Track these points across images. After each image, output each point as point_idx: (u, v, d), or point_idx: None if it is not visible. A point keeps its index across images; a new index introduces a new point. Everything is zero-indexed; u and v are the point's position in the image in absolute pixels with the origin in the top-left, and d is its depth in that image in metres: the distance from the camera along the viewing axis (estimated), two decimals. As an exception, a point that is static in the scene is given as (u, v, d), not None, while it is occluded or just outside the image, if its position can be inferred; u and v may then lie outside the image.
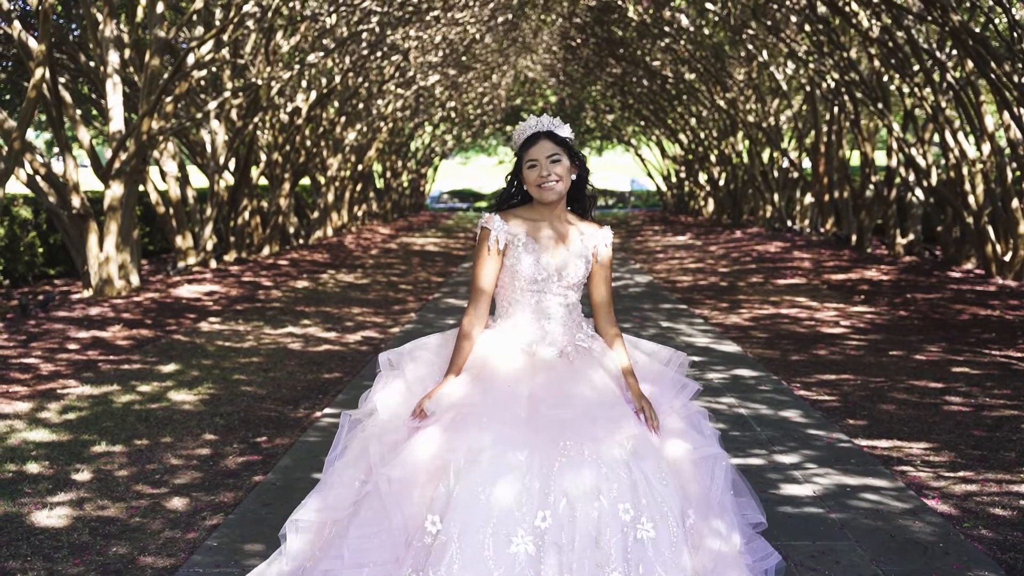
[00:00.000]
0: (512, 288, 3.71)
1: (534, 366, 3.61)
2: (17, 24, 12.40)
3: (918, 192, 18.57)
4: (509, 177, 3.89)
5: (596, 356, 3.70)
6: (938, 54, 14.82)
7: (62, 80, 15.41)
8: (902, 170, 19.44)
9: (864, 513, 4.97)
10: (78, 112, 15.22)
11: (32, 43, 12.24)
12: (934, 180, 17.09)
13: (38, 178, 13.11)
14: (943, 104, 16.04)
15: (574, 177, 3.78)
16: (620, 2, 23.22)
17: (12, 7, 13.72)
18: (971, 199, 15.51)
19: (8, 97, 21.95)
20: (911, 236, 19.57)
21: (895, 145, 18.66)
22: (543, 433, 3.36)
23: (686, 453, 3.52)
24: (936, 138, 19.22)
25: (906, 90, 17.72)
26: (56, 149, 14.51)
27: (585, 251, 3.74)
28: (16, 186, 16.49)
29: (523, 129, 3.79)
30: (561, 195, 3.71)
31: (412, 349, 3.76)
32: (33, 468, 5.76)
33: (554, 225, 3.76)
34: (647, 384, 3.72)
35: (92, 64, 15.32)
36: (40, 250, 16.78)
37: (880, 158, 25.54)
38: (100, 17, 13.93)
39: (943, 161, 17.30)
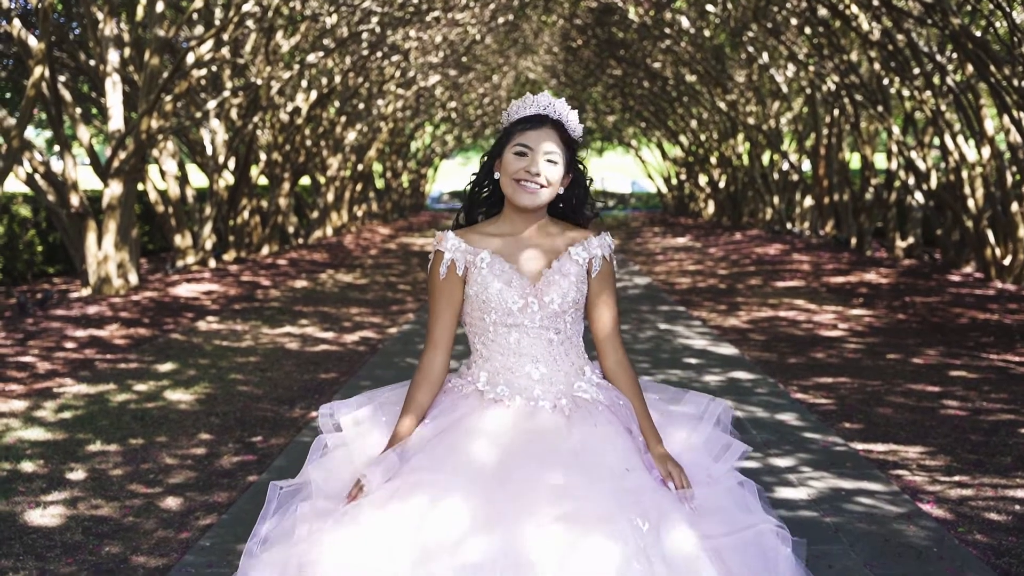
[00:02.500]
0: (482, 324, 2.97)
1: (516, 427, 2.83)
2: (17, 22, 12.39)
3: (918, 195, 18.56)
4: (478, 172, 3.13)
5: (604, 409, 2.93)
6: (938, 57, 14.81)
7: (62, 79, 15.41)
8: (902, 173, 19.43)
9: (859, 517, 4.97)
10: (78, 111, 15.22)
11: (32, 41, 12.24)
12: (934, 183, 17.09)
13: (37, 176, 13.11)
14: (943, 107, 16.03)
15: (562, 191, 3.05)
16: (621, 3, 23.21)
17: (12, 5, 13.71)
18: (971, 203, 15.50)
19: (8, 96, 21.95)
20: (911, 239, 19.56)
21: (895, 148, 18.66)
22: (523, 513, 2.57)
23: (730, 539, 2.72)
24: (936, 141, 19.21)
25: (906, 93, 17.71)
26: (56, 147, 14.49)
27: (577, 266, 3.00)
28: (15, 184, 16.48)
29: (525, 104, 3.06)
30: (540, 206, 3.00)
31: (362, 406, 3.01)
32: (27, 467, 5.75)
33: (531, 238, 3.04)
34: (675, 444, 2.95)
35: (92, 63, 15.32)
36: (39, 248, 16.77)
37: (880, 161, 25.53)
38: (100, 16, 13.93)
39: (943, 164, 17.29)
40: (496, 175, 3.06)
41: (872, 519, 4.94)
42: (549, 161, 2.99)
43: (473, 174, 3.17)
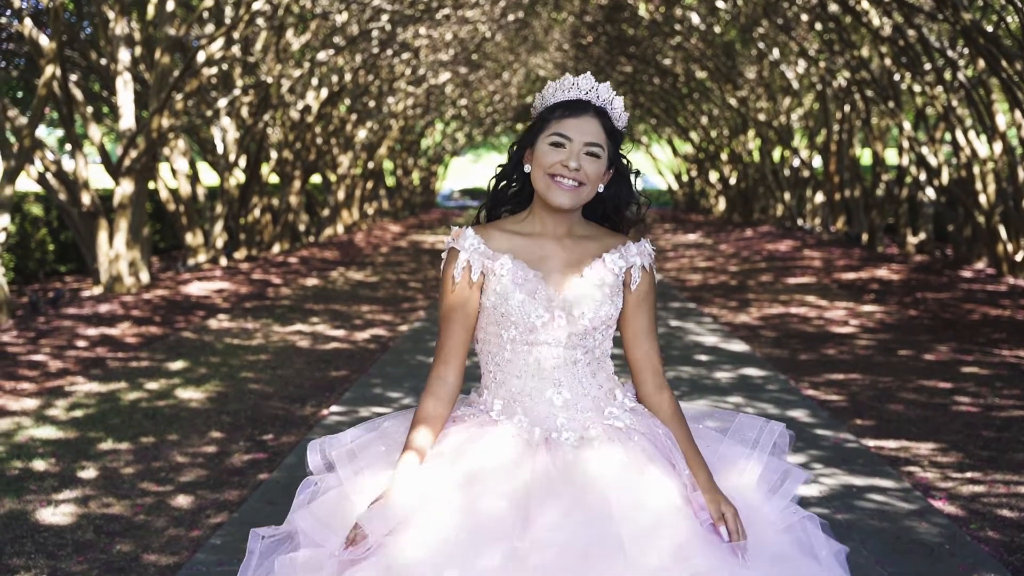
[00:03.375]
0: (499, 341, 2.59)
1: (537, 465, 2.46)
2: (28, 22, 12.43)
3: (929, 191, 18.49)
4: (505, 164, 2.76)
5: (640, 438, 2.55)
6: (950, 53, 14.75)
7: (73, 78, 15.46)
8: (913, 169, 19.36)
9: (870, 514, 4.95)
10: (89, 109, 15.27)
11: (43, 40, 12.27)
12: (945, 179, 17.02)
13: (49, 175, 13.16)
14: (955, 103, 15.96)
15: (601, 188, 2.65)
16: (631, 0, 23.17)
17: (24, 5, 13.76)
18: (982, 198, 15.43)
19: (21, 95, 22.03)
20: (922, 235, 19.48)
21: (906, 144, 18.59)
22: (550, 569, 2.26)
23: None
24: (948, 137, 19.14)
25: (917, 89, 17.64)
26: (67, 146, 14.54)
27: (612, 277, 2.62)
28: (27, 183, 16.55)
29: (564, 86, 2.67)
30: (577, 206, 2.62)
31: (357, 439, 2.60)
32: (39, 465, 5.78)
33: (562, 241, 2.65)
34: (727, 479, 2.56)
35: (103, 62, 15.37)
36: (51, 247, 16.83)
37: (891, 157, 25.46)
38: (111, 15, 13.96)
39: (954, 160, 17.22)
40: (527, 167, 2.66)
41: (884, 516, 4.92)
42: (590, 154, 2.59)
43: (499, 165, 2.76)
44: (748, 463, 2.61)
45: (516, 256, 2.60)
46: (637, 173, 2.77)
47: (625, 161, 2.74)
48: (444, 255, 2.66)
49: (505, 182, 2.76)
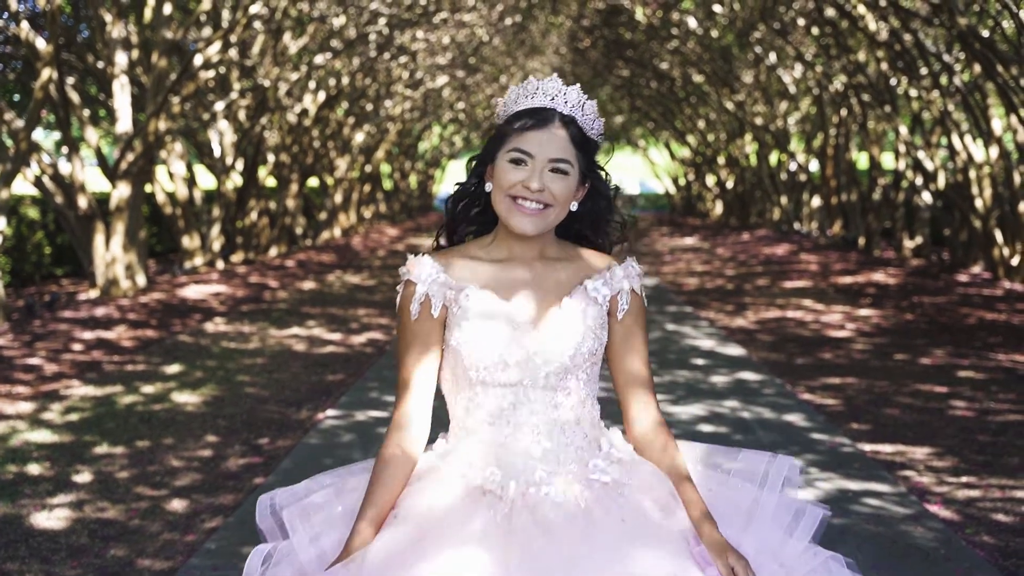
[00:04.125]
0: (466, 383, 2.29)
1: (513, 525, 2.15)
2: (25, 24, 12.42)
3: (926, 195, 18.52)
4: (463, 181, 2.46)
5: (633, 492, 2.25)
6: (946, 57, 14.77)
7: (71, 81, 15.45)
8: (909, 173, 19.39)
9: (866, 518, 4.95)
10: (86, 112, 15.26)
11: (40, 43, 12.27)
12: (942, 183, 17.04)
13: (45, 178, 13.15)
14: (951, 107, 15.99)
15: (574, 207, 2.36)
16: (628, 4, 23.20)
17: (21, 8, 13.75)
18: (979, 202, 15.45)
19: (18, 98, 22.02)
20: (919, 239, 19.50)
21: (903, 148, 18.61)
22: None
23: None
24: (944, 141, 19.17)
25: (913, 93, 17.67)
26: (64, 149, 14.55)
27: (596, 306, 2.33)
28: (24, 186, 16.54)
29: (526, 91, 2.37)
30: (543, 231, 2.32)
31: (313, 494, 2.31)
32: (34, 469, 5.77)
33: (534, 267, 2.35)
34: (733, 525, 2.28)
35: (100, 65, 15.36)
36: (47, 250, 16.82)
37: (888, 161, 25.50)
38: (108, 18, 13.96)
39: (951, 164, 17.24)
40: (488, 185, 2.36)
41: (879, 520, 4.92)
42: (556, 171, 2.28)
43: (457, 183, 2.46)
44: (756, 504, 2.31)
45: (482, 286, 2.30)
46: (616, 190, 2.46)
47: (602, 173, 2.44)
48: (399, 288, 2.34)
49: (465, 202, 2.45)
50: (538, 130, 2.30)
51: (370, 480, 2.25)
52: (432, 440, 2.40)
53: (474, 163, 2.44)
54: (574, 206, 2.37)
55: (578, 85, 2.40)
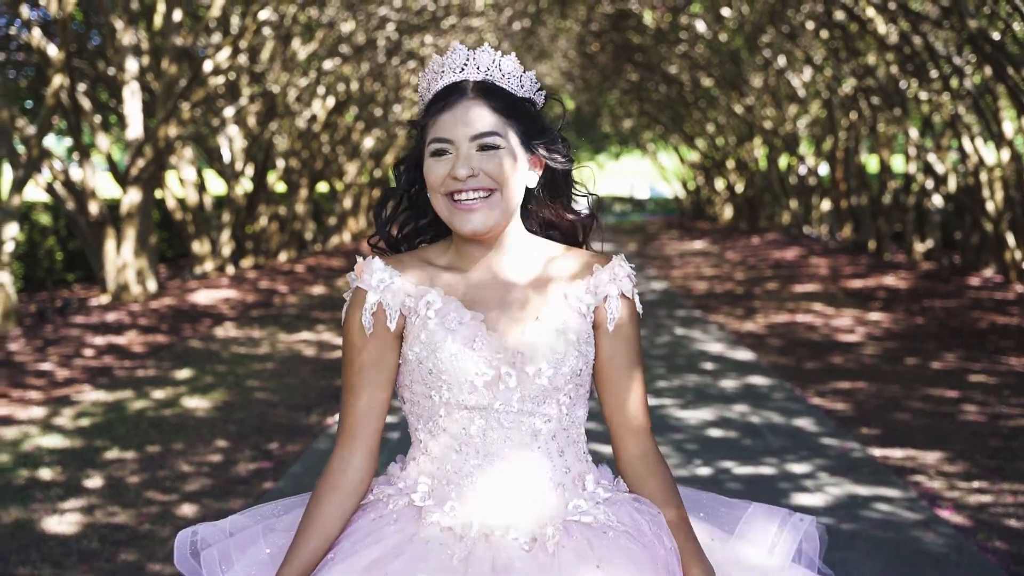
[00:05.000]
0: (429, 404, 1.97)
1: (469, 572, 1.86)
2: (37, 32, 12.49)
3: (936, 198, 18.46)
4: (390, 189, 2.13)
5: (618, 537, 1.93)
6: (956, 60, 14.73)
7: (82, 87, 15.51)
8: (920, 176, 19.34)
9: (876, 524, 4.93)
10: (97, 119, 15.33)
11: (51, 51, 12.32)
12: (952, 186, 16.99)
13: (57, 184, 13.21)
14: (961, 110, 15.95)
15: (532, 183, 2.04)
16: (637, 6, 23.19)
17: (33, 16, 13.83)
18: (990, 205, 15.40)
19: (31, 105, 22.12)
20: (930, 243, 19.45)
21: (913, 151, 18.57)
22: None
23: None
24: (954, 144, 19.13)
25: (924, 96, 17.63)
26: (75, 155, 14.66)
27: (579, 317, 2.01)
28: (36, 192, 16.62)
29: (433, 74, 2.04)
30: (499, 225, 1.98)
31: (238, 532, 2.05)
32: (45, 474, 5.79)
33: (504, 272, 2.04)
34: None
35: (111, 71, 15.42)
36: (59, 256, 16.89)
37: (898, 164, 25.45)
38: (119, 25, 14.02)
39: (961, 167, 17.19)
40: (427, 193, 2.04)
41: (889, 526, 4.91)
42: (484, 149, 1.94)
43: (384, 191, 2.13)
44: (767, 560, 2.05)
45: (447, 291, 1.99)
46: (568, 159, 2.09)
47: (555, 140, 2.06)
48: (347, 297, 2.02)
49: (405, 214, 2.12)
50: (451, 110, 1.96)
51: (301, 522, 1.95)
52: (386, 462, 2.09)
53: (400, 168, 2.09)
54: (531, 181, 2.03)
55: (486, 44, 2.03)
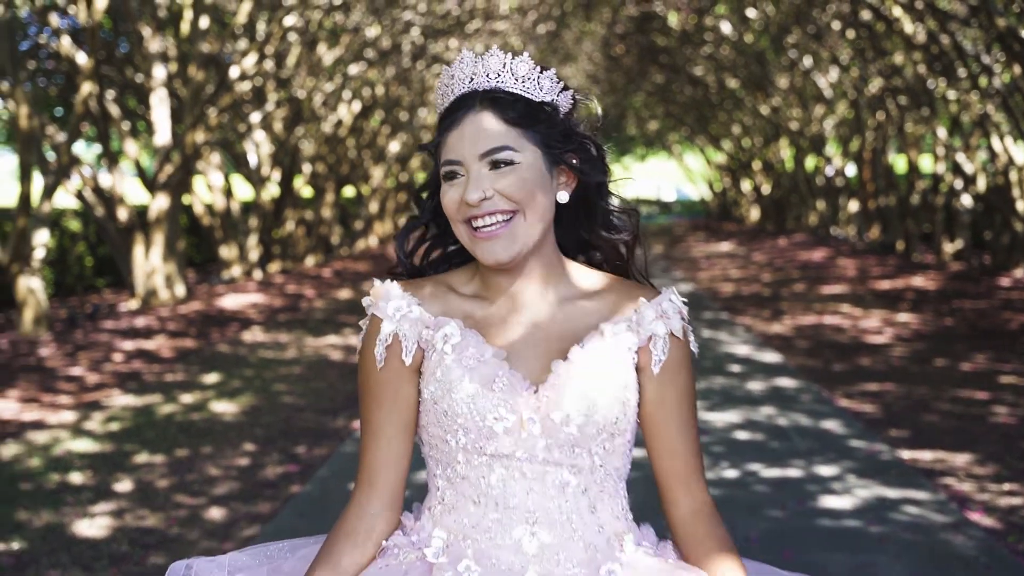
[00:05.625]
0: (446, 448, 1.78)
1: None
2: (66, 40, 12.63)
3: (965, 198, 18.31)
4: (414, 217, 1.95)
5: None
6: (984, 58, 14.61)
7: (111, 94, 15.67)
8: (948, 176, 19.18)
9: (904, 526, 4.89)
10: (126, 125, 15.48)
11: (80, 58, 12.46)
12: (982, 186, 16.83)
13: (87, 190, 13.35)
14: (990, 109, 15.80)
15: (563, 198, 1.79)
16: (662, 5, 23.15)
17: (62, 24, 13.99)
18: (1020, 205, 15.24)
19: (61, 113, 22.37)
20: (959, 243, 19.28)
21: (942, 151, 18.42)
22: None
23: None
24: (984, 143, 18.96)
25: (952, 95, 17.49)
26: (105, 161, 14.87)
27: (619, 362, 1.78)
28: (66, 199, 16.81)
29: (444, 89, 1.84)
30: (523, 252, 1.76)
31: (236, 573, 1.87)
32: (76, 478, 5.85)
33: (535, 304, 1.82)
34: None
35: (139, 78, 15.56)
36: (89, 262, 17.06)
37: (927, 164, 25.25)
38: (147, 32, 14.15)
39: (991, 167, 17.04)
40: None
41: (918, 529, 4.87)
42: (496, 166, 1.73)
43: (409, 220, 1.94)
44: None
45: (467, 322, 1.79)
46: (601, 169, 1.84)
47: (586, 147, 1.81)
48: (363, 324, 1.84)
49: (427, 244, 1.93)
50: (458, 126, 1.76)
51: (310, 568, 1.80)
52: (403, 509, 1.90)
53: (424, 194, 1.90)
54: (563, 197, 1.79)
55: (494, 48, 1.81)
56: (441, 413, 1.75)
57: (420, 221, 1.90)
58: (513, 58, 1.77)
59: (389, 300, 1.80)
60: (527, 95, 1.77)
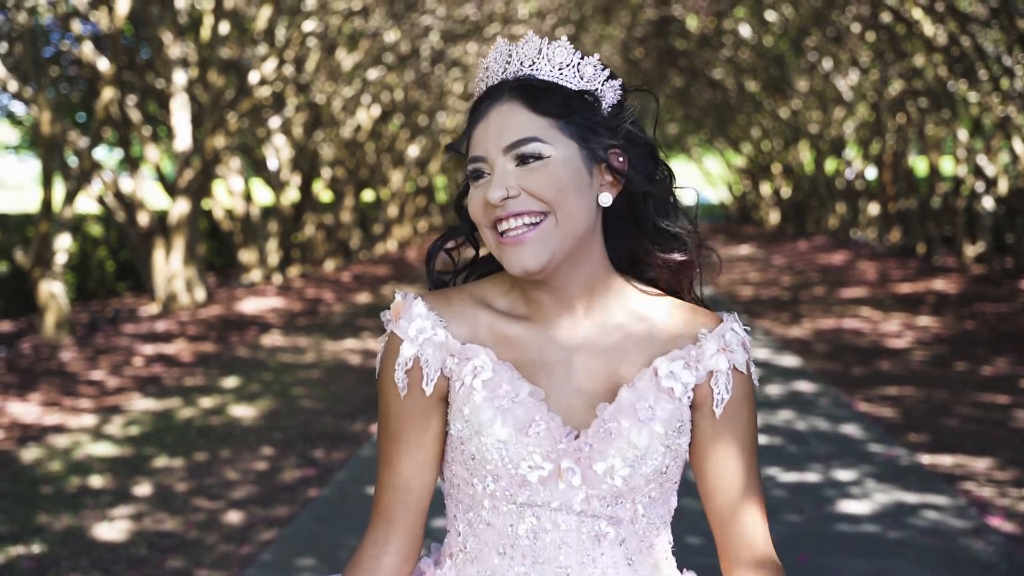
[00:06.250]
0: (471, 492, 1.59)
1: None
2: (88, 47, 12.73)
3: (987, 201, 18.18)
4: (456, 227, 1.70)
5: None
6: (1006, 60, 14.52)
7: (132, 100, 15.78)
8: (970, 179, 19.05)
9: (923, 531, 4.87)
10: (147, 130, 15.58)
11: (101, 64, 12.56)
12: (1004, 188, 16.72)
13: (108, 195, 13.45)
14: (1011, 111, 15.70)
15: (605, 201, 1.55)
16: (682, 8, 23.12)
17: (84, 30, 14.11)
18: (1042, 208, 15.14)
19: (84, 119, 22.55)
20: (980, 246, 19.14)
21: (963, 154, 18.31)
22: None
23: None
24: (1005, 145, 18.83)
25: (973, 97, 17.39)
26: (126, 166, 15.04)
27: (672, 403, 1.57)
28: (87, 204, 16.95)
29: (479, 81, 1.64)
30: (554, 262, 1.52)
31: None
32: (96, 482, 5.89)
33: (574, 324, 1.60)
34: None
35: (160, 84, 15.67)
36: (110, 266, 17.18)
37: (947, 166, 25.12)
38: (168, 38, 14.25)
39: (1013, 169, 16.92)
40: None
41: (937, 534, 4.84)
42: (523, 160, 1.51)
43: (449, 228, 1.70)
44: None
45: (500, 354, 1.58)
46: (652, 170, 1.60)
47: (640, 144, 1.59)
48: (381, 343, 1.62)
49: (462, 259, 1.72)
50: (484, 120, 1.55)
51: None
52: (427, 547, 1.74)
53: (459, 200, 1.68)
54: (605, 199, 1.55)
55: (531, 33, 1.60)
56: (468, 456, 1.55)
57: (458, 232, 1.67)
58: (549, 43, 1.56)
59: (412, 320, 1.57)
60: (564, 83, 1.55)
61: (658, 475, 1.56)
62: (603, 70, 1.56)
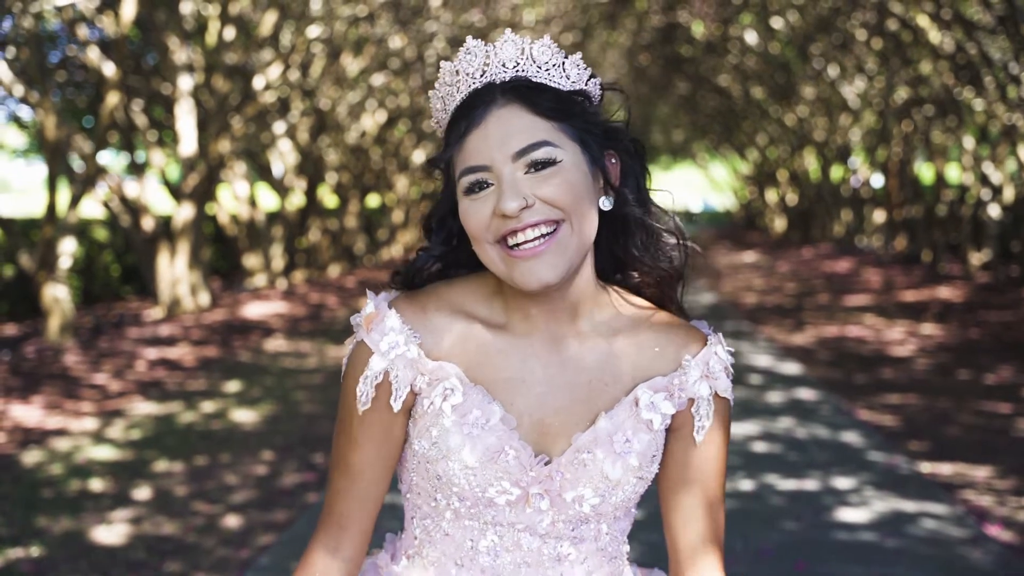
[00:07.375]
0: (433, 504, 1.55)
1: None
2: (94, 52, 12.77)
3: (993, 209, 18.16)
4: (426, 249, 1.64)
5: None
6: (1012, 68, 14.50)
7: (138, 105, 15.83)
8: (976, 186, 19.03)
9: (921, 540, 4.85)
10: (153, 135, 15.63)
11: (107, 69, 12.60)
12: (1009, 196, 16.69)
13: (113, 200, 13.49)
14: (1017, 119, 15.68)
15: (606, 205, 1.51)
16: (688, 15, 23.13)
17: (91, 35, 14.16)
18: (1047, 216, 15.11)
19: (90, 124, 22.62)
20: (986, 254, 19.11)
21: (969, 161, 18.29)
22: None
23: None
24: (1011, 153, 18.80)
25: (979, 105, 17.37)
26: (131, 171, 15.10)
27: (647, 428, 1.53)
28: (92, 208, 17.00)
29: (448, 87, 1.53)
30: (572, 266, 1.46)
31: None
32: (96, 485, 5.90)
33: (557, 341, 1.54)
34: None
35: (166, 88, 15.72)
36: (115, 270, 17.22)
37: (953, 174, 25.09)
38: (173, 43, 14.30)
39: (1019, 177, 16.89)
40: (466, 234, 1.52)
41: (935, 542, 4.83)
42: (535, 167, 1.43)
43: (418, 252, 1.65)
44: None
45: (474, 377, 1.51)
46: (642, 174, 1.56)
47: (628, 145, 1.55)
48: (348, 347, 1.57)
49: (438, 263, 1.62)
50: (480, 126, 1.45)
51: None
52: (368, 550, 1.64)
53: (433, 221, 1.61)
54: (605, 203, 1.51)
55: (508, 32, 1.51)
56: (433, 475, 1.50)
57: (432, 255, 1.59)
58: (532, 43, 1.47)
59: (384, 334, 1.50)
60: (553, 84, 1.48)
61: (627, 502, 1.54)
62: (585, 69, 1.51)
